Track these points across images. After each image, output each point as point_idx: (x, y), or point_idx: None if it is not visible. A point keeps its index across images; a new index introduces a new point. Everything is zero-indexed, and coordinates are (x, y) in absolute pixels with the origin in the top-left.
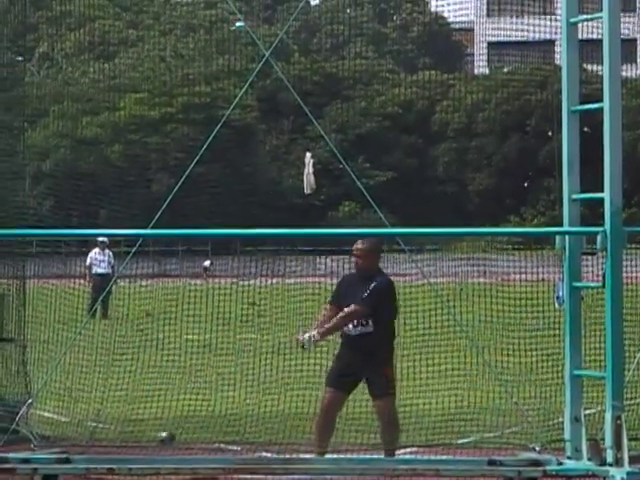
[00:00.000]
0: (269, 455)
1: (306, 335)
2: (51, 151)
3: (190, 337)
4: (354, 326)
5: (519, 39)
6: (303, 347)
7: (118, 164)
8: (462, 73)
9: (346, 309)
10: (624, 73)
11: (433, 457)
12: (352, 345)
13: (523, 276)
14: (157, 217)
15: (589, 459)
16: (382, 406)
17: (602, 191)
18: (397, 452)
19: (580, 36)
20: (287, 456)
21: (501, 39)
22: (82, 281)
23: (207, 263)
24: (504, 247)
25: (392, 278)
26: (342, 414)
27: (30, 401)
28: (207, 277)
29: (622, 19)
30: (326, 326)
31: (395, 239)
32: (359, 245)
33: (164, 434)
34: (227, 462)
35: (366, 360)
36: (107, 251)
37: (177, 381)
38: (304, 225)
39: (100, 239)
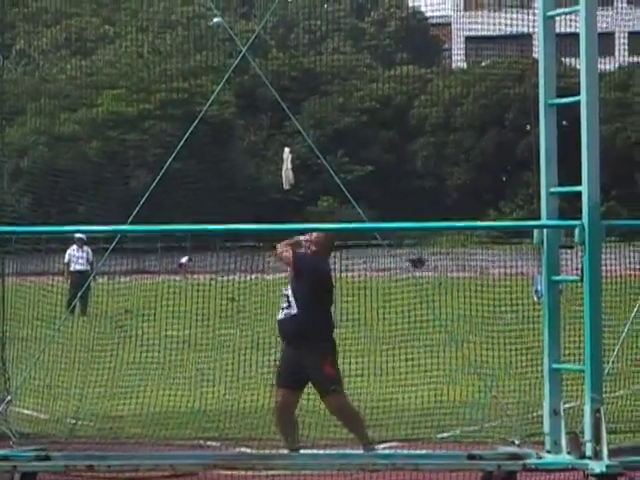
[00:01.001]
0: (249, 451)
1: None
2: (29, 148)
3: (169, 333)
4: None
5: (496, 33)
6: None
7: (96, 161)
8: (440, 68)
9: None
10: (601, 66)
11: (412, 452)
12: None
13: (502, 270)
14: (135, 213)
15: (568, 452)
16: (328, 405)
17: (580, 184)
18: (377, 447)
19: (557, 30)
20: (267, 452)
21: (478, 33)
22: (61, 278)
23: (184, 260)
24: (483, 241)
25: (371, 273)
26: (322, 409)
27: (9, 398)
28: (184, 273)
29: (599, 12)
30: None
31: (373, 234)
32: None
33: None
34: (206, 458)
35: (301, 353)
36: (85, 248)
37: (156, 377)
38: (283, 220)
39: (77, 236)
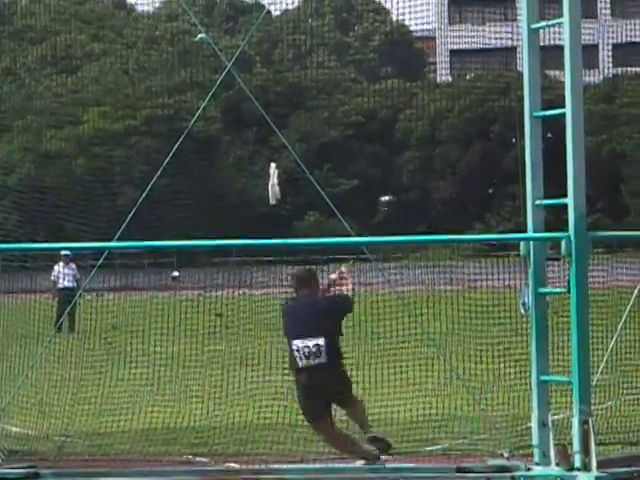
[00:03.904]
0: (238, 466)
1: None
2: (16, 165)
3: (157, 349)
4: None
5: (481, 46)
6: None
7: (83, 177)
8: (425, 81)
9: None
10: (586, 79)
11: (401, 465)
12: None
13: (489, 283)
14: (122, 230)
15: (557, 464)
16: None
17: (566, 197)
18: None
19: (542, 42)
20: (256, 466)
21: (463, 47)
22: (49, 295)
23: (176, 273)
24: (470, 254)
25: (359, 287)
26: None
27: None
28: (176, 288)
29: (583, 25)
30: None
31: (361, 248)
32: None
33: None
34: (196, 474)
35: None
36: (72, 265)
37: (145, 394)
38: (270, 235)
39: (64, 253)
